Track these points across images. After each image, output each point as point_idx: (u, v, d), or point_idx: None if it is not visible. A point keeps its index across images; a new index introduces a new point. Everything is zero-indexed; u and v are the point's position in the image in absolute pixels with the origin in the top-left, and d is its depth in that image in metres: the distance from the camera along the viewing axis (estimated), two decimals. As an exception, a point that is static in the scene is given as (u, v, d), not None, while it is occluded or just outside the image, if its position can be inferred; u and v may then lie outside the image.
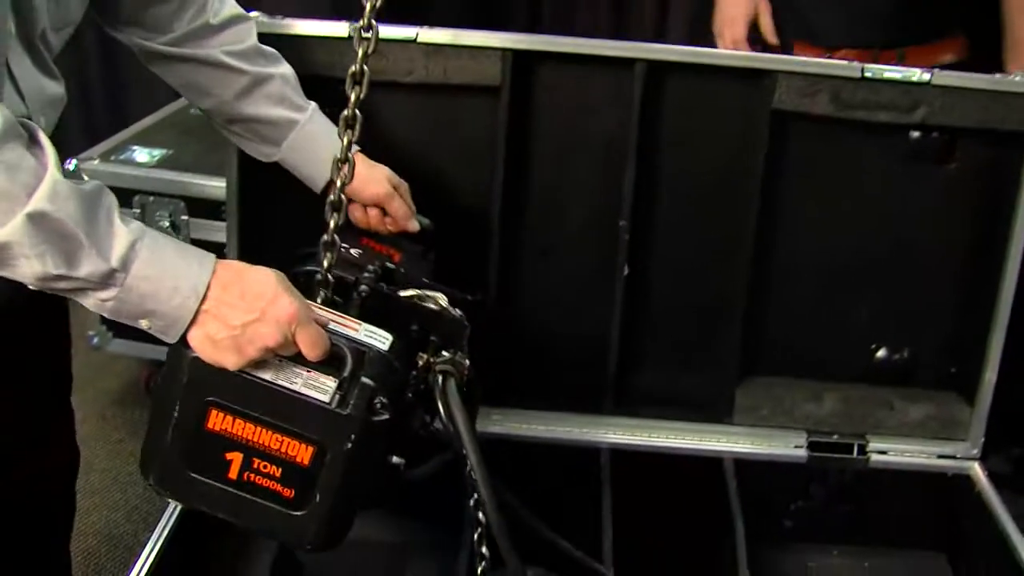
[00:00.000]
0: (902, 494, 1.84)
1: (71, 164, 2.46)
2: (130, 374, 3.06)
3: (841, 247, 1.80)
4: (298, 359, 1.14)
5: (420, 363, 1.26)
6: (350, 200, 1.30)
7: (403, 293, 1.34)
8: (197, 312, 1.09)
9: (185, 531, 1.50)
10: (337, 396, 1.12)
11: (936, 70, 1.65)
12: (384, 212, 1.53)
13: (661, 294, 1.81)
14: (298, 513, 1.15)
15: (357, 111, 1.23)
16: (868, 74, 1.65)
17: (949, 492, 1.82)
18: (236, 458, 1.13)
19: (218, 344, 1.10)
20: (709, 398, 1.84)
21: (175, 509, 1.50)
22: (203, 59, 1.44)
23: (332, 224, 1.24)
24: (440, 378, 1.25)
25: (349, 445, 1.12)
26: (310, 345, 1.13)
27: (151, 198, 2.44)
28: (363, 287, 1.29)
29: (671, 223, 1.78)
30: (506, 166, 1.72)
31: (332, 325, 1.18)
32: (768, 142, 1.70)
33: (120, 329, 2.68)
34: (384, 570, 1.81)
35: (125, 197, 2.47)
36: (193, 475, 1.15)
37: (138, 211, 2.46)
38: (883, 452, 1.82)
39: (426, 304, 1.33)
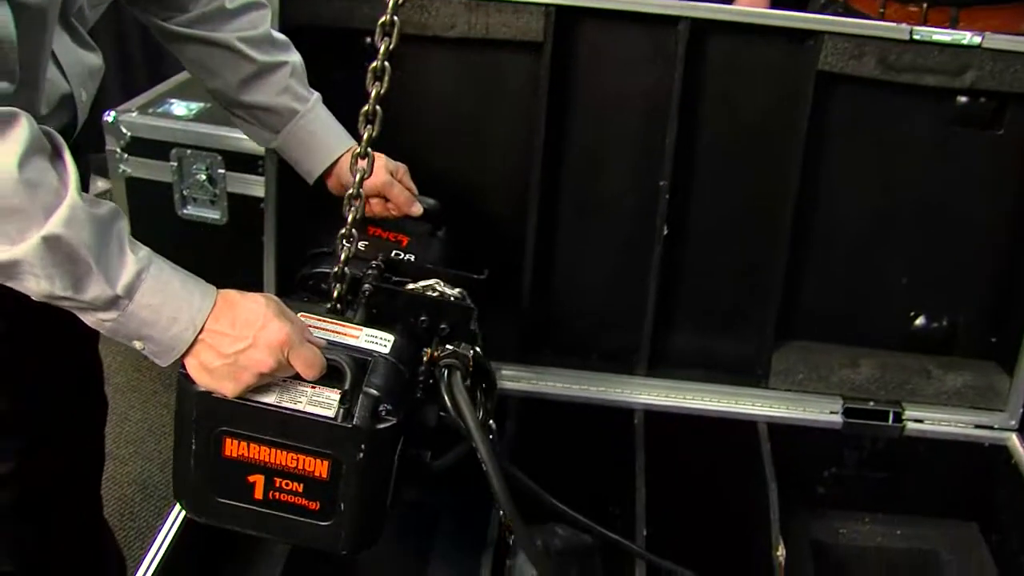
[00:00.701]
0: (936, 463, 1.83)
1: (109, 116, 2.47)
2: (165, 326, 3.09)
3: (883, 211, 1.77)
4: (300, 377, 1.15)
5: (425, 358, 1.27)
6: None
7: (409, 286, 1.34)
8: (193, 342, 1.11)
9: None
10: (342, 410, 1.14)
11: (988, 34, 1.62)
12: (386, 199, 1.55)
13: (699, 255, 1.80)
14: (327, 523, 1.17)
15: (387, 63, 1.22)
16: (916, 36, 1.62)
17: (984, 462, 1.80)
18: (258, 479, 1.16)
19: (214, 372, 1.12)
20: (745, 361, 1.83)
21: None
22: (216, 41, 1.45)
23: (350, 217, 1.25)
24: (445, 372, 1.26)
25: (361, 455, 1.14)
26: (305, 366, 1.14)
27: (188, 151, 2.44)
28: (367, 286, 1.30)
29: (711, 184, 1.76)
30: (547, 123, 1.70)
31: (332, 336, 1.20)
32: (812, 103, 1.67)
33: (156, 281, 2.70)
34: (414, 530, 1.81)
35: (162, 150, 2.47)
36: (221, 500, 1.18)
37: (175, 164, 2.46)
38: (919, 420, 1.80)
39: (431, 294, 1.33)
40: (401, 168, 1.56)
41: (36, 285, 1.06)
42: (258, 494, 1.16)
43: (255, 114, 1.53)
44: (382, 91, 1.22)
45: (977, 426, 1.80)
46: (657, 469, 1.66)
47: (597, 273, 1.83)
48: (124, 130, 2.47)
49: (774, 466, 1.68)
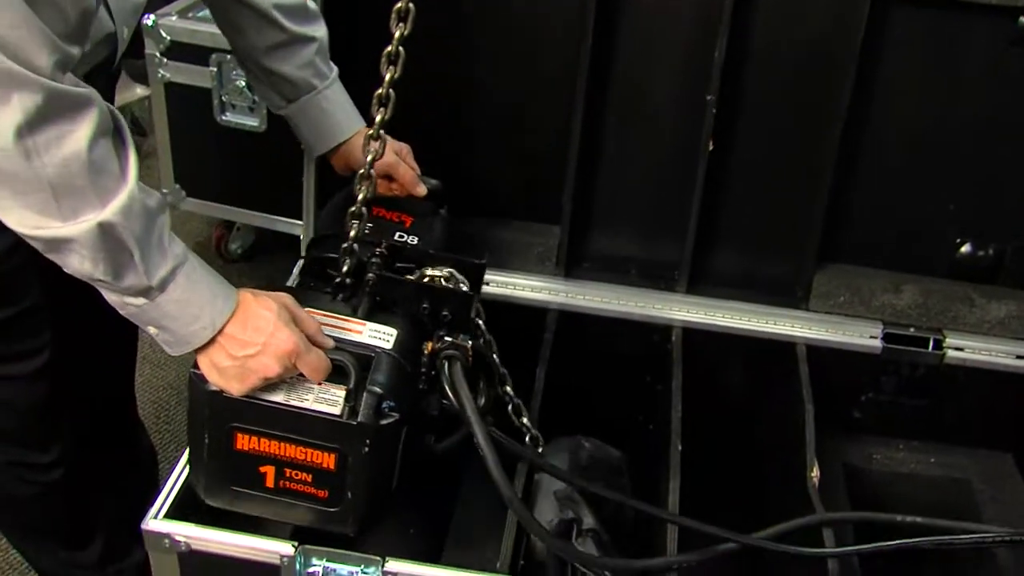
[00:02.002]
0: (975, 392, 1.81)
1: (149, 19, 2.45)
2: (201, 233, 3.10)
3: (933, 135, 1.74)
4: None
5: (427, 351, 1.32)
6: (354, 172, 1.34)
7: (411, 276, 1.38)
8: (208, 341, 1.16)
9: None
10: (347, 407, 1.19)
11: (1053, -49, 1.57)
12: (390, 179, 1.58)
13: (744, 173, 1.77)
14: (335, 509, 1.24)
15: (401, 48, 1.24)
16: (978, -48, 1.58)
17: (1024, 392, 1.78)
18: (269, 470, 1.22)
19: (223, 371, 1.17)
20: (786, 282, 1.80)
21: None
22: (251, 3, 1.45)
23: (361, 196, 1.30)
24: (446, 364, 1.31)
25: (366, 449, 1.19)
26: (312, 371, 1.18)
27: (228, 57, 2.41)
28: (370, 275, 1.33)
29: (760, 100, 1.72)
30: (594, 33, 1.67)
31: (336, 332, 1.24)
32: (867, 21, 1.63)
33: (193, 188, 2.70)
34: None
35: (201, 55, 2.45)
36: (235, 488, 1.25)
37: (215, 69, 2.44)
38: (960, 349, 1.78)
39: (432, 283, 1.37)
40: (405, 148, 1.60)
41: (79, 264, 1.09)
42: (269, 483, 1.23)
43: (272, 80, 1.54)
44: (396, 75, 1.25)
45: (1019, 356, 1.77)
46: (694, 387, 1.65)
47: (640, 188, 1.81)
48: (164, 34, 2.45)
49: (811, 388, 1.67)
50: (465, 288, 1.38)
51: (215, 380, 1.18)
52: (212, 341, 1.16)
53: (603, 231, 1.83)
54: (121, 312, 1.15)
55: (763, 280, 1.81)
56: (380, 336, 1.26)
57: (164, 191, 2.73)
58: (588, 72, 1.70)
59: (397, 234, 1.51)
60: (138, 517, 1.28)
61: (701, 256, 1.80)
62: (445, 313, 1.35)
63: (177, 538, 1.26)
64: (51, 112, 1.03)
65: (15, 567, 2.10)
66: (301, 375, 1.19)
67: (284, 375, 1.17)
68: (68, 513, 1.64)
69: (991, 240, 1.82)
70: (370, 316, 1.30)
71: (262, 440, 1.21)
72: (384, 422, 1.20)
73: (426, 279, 1.37)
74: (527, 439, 1.49)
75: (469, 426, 1.26)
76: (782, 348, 1.76)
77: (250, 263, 3.06)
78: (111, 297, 1.14)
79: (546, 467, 1.46)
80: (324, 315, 1.26)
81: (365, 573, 1.24)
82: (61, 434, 1.54)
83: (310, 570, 1.25)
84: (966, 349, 1.78)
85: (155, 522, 1.27)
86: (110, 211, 1.06)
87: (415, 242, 1.51)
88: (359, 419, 1.18)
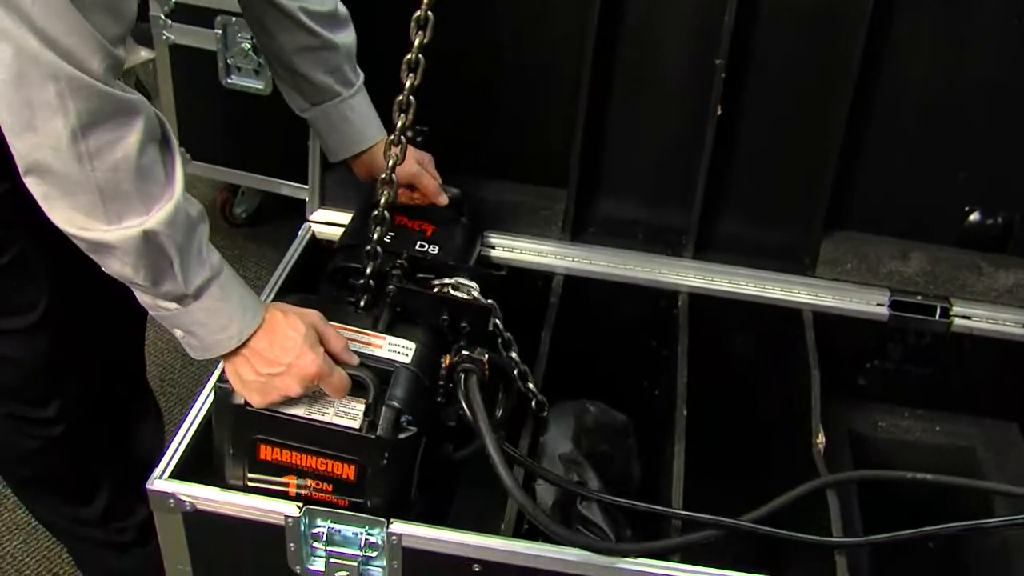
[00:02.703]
0: (981, 361, 1.80)
1: (155, -21, 2.43)
2: (205, 197, 3.09)
3: (944, 102, 1.72)
4: None
5: (445, 364, 1.35)
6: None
7: (432, 285, 1.43)
8: (234, 351, 1.19)
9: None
10: (366, 422, 1.23)
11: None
12: (412, 188, 1.62)
13: (753, 138, 1.75)
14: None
15: (420, 56, 1.28)
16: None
17: (1031, 362, 1.77)
18: (291, 479, 1.27)
19: (246, 384, 1.21)
20: (793, 249, 1.79)
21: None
22: (280, 6, 1.45)
23: (383, 200, 1.34)
24: (463, 377, 1.34)
25: (384, 461, 1.23)
26: (333, 391, 1.22)
27: (233, 19, 2.39)
28: (391, 287, 1.38)
29: (769, 65, 1.71)
30: (603, -5, 1.66)
31: (357, 346, 1.28)
32: (879, -19, 1.61)
33: (198, 151, 2.69)
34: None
35: (206, 17, 2.43)
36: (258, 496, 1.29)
37: (220, 31, 2.42)
38: (967, 317, 1.77)
39: (452, 294, 1.41)
40: (427, 158, 1.63)
41: (120, 268, 1.11)
42: (291, 491, 1.27)
43: (297, 81, 1.55)
44: (416, 83, 1.28)
45: (1026, 325, 1.77)
46: (699, 352, 1.65)
47: (647, 153, 1.80)
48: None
49: (817, 355, 1.66)
50: (481, 298, 1.42)
51: (238, 389, 1.22)
52: (237, 352, 1.19)
53: (610, 195, 1.82)
54: (152, 313, 1.18)
55: (770, 246, 1.80)
56: (399, 350, 1.30)
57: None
58: (596, 34, 1.69)
59: (418, 243, 1.57)
60: (142, 476, 1.28)
61: (708, 221, 1.79)
62: (464, 325, 1.39)
63: (182, 498, 1.27)
64: (104, 116, 1.04)
65: (21, 527, 2.12)
66: (320, 391, 1.23)
67: (305, 393, 1.22)
68: (70, 468, 1.65)
69: (1000, 208, 1.80)
70: (391, 328, 1.35)
71: (284, 451, 1.25)
72: (402, 436, 1.24)
73: (446, 290, 1.42)
74: (532, 404, 1.49)
75: (482, 441, 1.29)
76: (788, 315, 1.76)
77: (255, 227, 3.05)
78: (144, 299, 1.16)
79: (562, 483, 1.45)
80: (345, 329, 1.30)
81: (370, 534, 1.25)
82: (62, 391, 1.54)
83: (315, 531, 1.26)
84: (973, 317, 1.77)
85: (160, 482, 1.28)
86: (155, 220, 1.08)
87: (436, 251, 1.56)
88: (378, 433, 1.22)
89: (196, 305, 1.15)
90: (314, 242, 1.79)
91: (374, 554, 1.26)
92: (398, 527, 1.24)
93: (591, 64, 1.70)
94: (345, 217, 1.79)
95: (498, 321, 1.42)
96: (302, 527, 1.25)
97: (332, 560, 1.27)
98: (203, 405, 1.39)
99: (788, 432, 1.67)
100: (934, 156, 1.77)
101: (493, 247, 1.78)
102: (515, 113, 1.82)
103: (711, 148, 1.72)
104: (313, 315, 1.25)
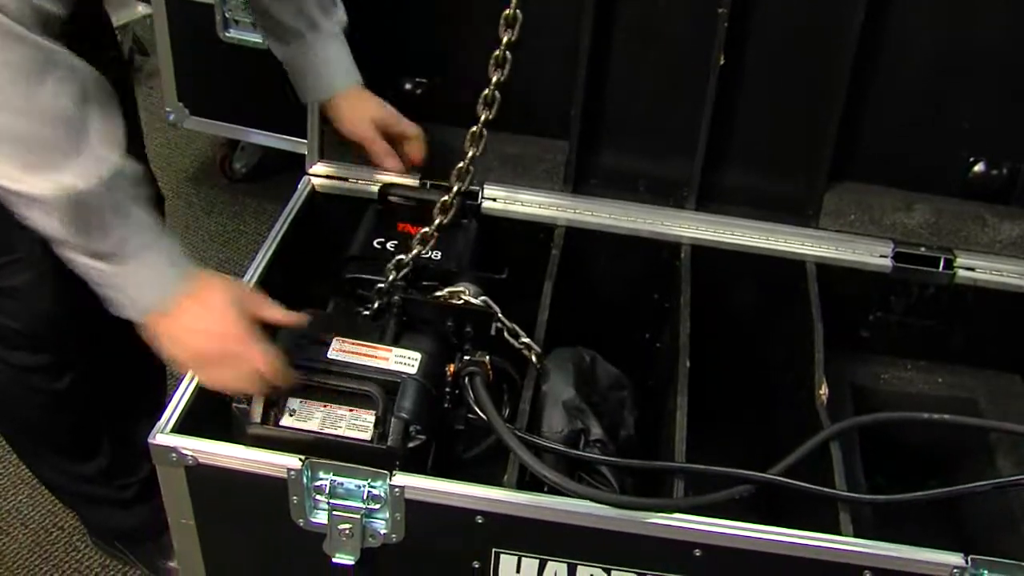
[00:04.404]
0: (984, 313, 1.79)
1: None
2: (206, 153, 3.07)
3: (951, 49, 1.69)
4: (339, 401, 1.32)
5: (450, 372, 1.41)
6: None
7: (436, 294, 1.49)
8: (157, 315, 1.19)
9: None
10: (376, 433, 1.29)
11: None
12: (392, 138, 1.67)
13: (756, 87, 1.73)
14: None
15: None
16: None
17: (1034, 313, 1.76)
18: None
19: (175, 342, 1.22)
20: (796, 200, 1.78)
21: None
22: None
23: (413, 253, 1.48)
24: (467, 380, 1.40)
25: (396, 471, 1.26)
26: (258, 358, 1.23)
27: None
28: (396, 297, 1.45)
29: (773, 11, 1.67)
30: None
31: (364, 360, 1.35)
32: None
33: (197, 106, 2.67)
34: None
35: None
36: None
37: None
38: (970, 269, 1.76)
39: (455, 301, 1.47)
40: (393, 117, 1.65)
41: (46, 223, 1.10)
42: None
43: (271, 25, 1.58)
44: (503, 78, 1.40)
45: (1030, 277, 1.76)
46: (702, 304, 1.64)
47: (649, 103, 1.78)
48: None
49: (820, 307, 1.65)
50: (485, 302, 1.47)
51: (167, 350, 1.23)
52: (165, 314, 1.19)
53: (611, 147, 1.80)
54: (78, 271, 1.16)
55: (773, 197, 1.78)
56: (406, 362, 1.36)
57: (167, 109, 2.70)
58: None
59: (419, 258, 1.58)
60: (145, 433, 1.28)
61: (711, 173, 1.77)
62: (468, 330, 1.47)
63: (184, 452, 1.26)
64: (23, 62, 1.03)
65: (26, 482, 2.12)
66: (332, 402, 1.30)
67: (229, 361, 1.23)
68: (74, 424, 1.66)
69: (1005, 159, 1.78)
70: (397, 339, 1.41)
71: None
72: (412, 445, 1.29)
73: (449, 298, 1.47)
74: (532, 357, 1.48)
75: (499, 435, 1.32)
76: (791, 266, 1.74)
77: (254, 182, 3.04)
78: (74, 256, 1.15)
79: (584, 457, 1.47)
80: (352, 343, 1.37)
81: (373, 486, 1.25)
82: (69, 345, 1.54)
83: (317, 483, 1.26)
84: (977, 269, 1.76)
85: (162, 436, 1.27)
86: (88, 178, 1.08)
87: (439, 257, 1.59)
88: (388, 444, 1.28)
89: (124, 267, 1.15)
90: (314, 195, 1.77)
91: (377, 506, 1.26)
92: (401, 479, 1.24)
93: (592, 11, 1.68)
94: (344, 170, 1.78)
95: (502, 318, 1.47)
96: (304, 480, 1.25)
97: (335, 513, 1.27)
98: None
99: (791, 384, 1.67)
100: (938, 106, 1.75)
101: (494, 199, 1.77)
102: (514, 61, 1.80)
103: (714, 98, 1.70)
104: (237, 287, 1.28)
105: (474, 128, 1.41)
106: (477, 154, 1.45)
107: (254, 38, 2.45)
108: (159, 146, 3.05)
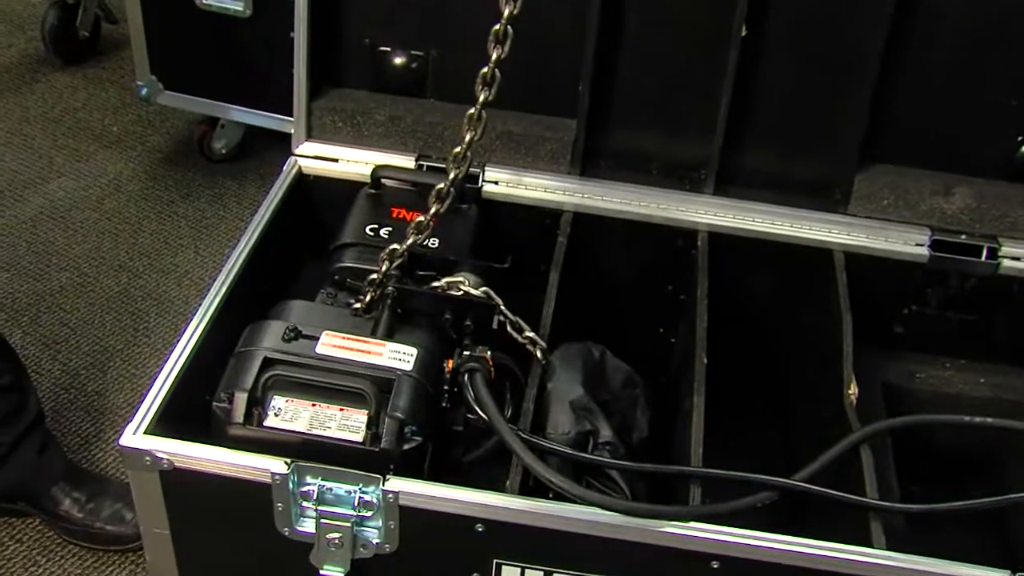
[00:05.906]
0: (1031, 306, 1.81)
1: None
2: (182, 131, 3.09)
3: (996, 17, 1.70)
4: (329, 400, 1.31)
5: (448, 367, 1.41)
6: None
7: (433, 284, 1.50)
8: None
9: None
10: (369, 434, 1.30)
11: None
12: None
13: (780, 61, 1.74)
14: None
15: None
16: None
17: (1087, 307, 1.78)
18: None
19: None
20: (824, 183, 1.79)
21: (224, 280, 1.53)
22: None
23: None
24: (467, 377, 1.40)
25: (390, 474, 1.27)
26: None
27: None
28: (391, 288, 1.44)
29: (799, -22, 1.70)
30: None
31: (355, 355, 1.34)
32: None
33: (171, 80, 2.69)
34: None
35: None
36: None
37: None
38: (1016, 258, 1.77)
39: (454, 292, 1.48)
40: None
41: None
42: None
43: None
44: (490, 97, 1.40)
45: (1082, 267, 1.77)
46: (720, 297, 1.66)
47: (664, 78, 1.79)
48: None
49: (849, 299, 1.67)
50: (485, 292, 1.47)
51: None
52: None
53: (623, 125, 1.81)
54: None
55: (798, 180, 1.80)
56: (400, 357, 1.36)
57: (139, 83, 2.71)
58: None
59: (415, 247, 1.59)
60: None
61: (730, 154, 1.79)
62: (468, 323, 1.47)
63: (159, 455, 1.28)
64: None
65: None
66: (322, 401, 1.31)
67: None
68: None
69: (1056, 139, 1.80)
70: (391, 332, 1.41)
71: None
72: (407, 447, 1.30)
73: (447, 288, 1.48)
74: (537, 352, 1.50)
75: (501, 437, 1.33)
76: (818, 255, 1.76)
77: (236, 163, 3.05)
78: None
79: (593, 461, 1.47)
80: (343, 337, 1.36)
81: (364, 492, 1.26)
82: None
83: (304, 489, 1.27)
84: (1023, 259, 1.77)
85: (135, 437, 1.28)
86: None
87: (436, 245, 1.59)
88: (382, 445, 1.29)
89: None
90: (301, 178, 1.79)
91: (369, 514, 1.27)
92: (395, 484, 1.25)
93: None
94: (334, 150, 1.79)
95: (505, 310, 1.48)
96: (290, 485, 1.26)
97: (323, 521, 1.28)
98: (179, 356, 1.40)
99: (817, 383, 1.68)
100: (982, 80, 1.76)
101: (496, 182, 1.78)
102: (519, 37, 1.81)
103: (734, 73, 1.71)
104: None
105: (471, 110, 1.42)
106: (476, 138, 1.46)
107: (234, 5, 2.47)
108: (130, 123, 3.05)
